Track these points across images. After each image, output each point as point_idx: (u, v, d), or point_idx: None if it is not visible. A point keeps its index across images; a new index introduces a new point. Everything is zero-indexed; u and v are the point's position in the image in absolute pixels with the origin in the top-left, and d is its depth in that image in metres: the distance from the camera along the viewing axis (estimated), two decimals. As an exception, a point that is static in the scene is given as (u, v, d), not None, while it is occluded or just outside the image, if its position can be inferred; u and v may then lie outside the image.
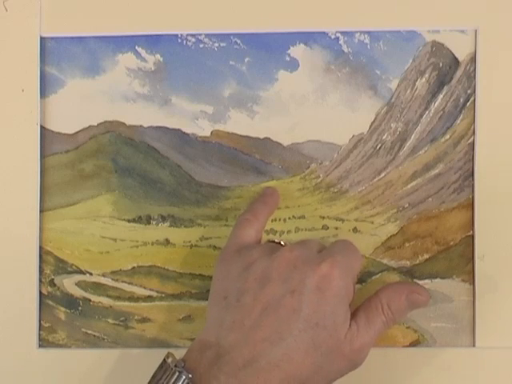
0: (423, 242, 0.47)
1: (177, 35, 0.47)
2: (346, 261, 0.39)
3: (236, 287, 0.39)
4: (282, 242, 0.43)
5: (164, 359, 0.37)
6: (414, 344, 0.47)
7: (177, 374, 0.36)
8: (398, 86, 0.47)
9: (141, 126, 0.48)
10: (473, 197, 0.46)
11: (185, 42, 0.48)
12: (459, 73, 0.47)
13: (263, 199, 0.45)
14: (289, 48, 0.47)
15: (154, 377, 0.37)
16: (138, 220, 0.48)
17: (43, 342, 0.48)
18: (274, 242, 0.43)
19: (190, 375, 0.35)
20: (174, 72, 0.48)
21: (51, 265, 0.48)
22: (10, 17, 0.47)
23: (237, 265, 0.40)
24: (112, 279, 0.48)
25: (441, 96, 0.47)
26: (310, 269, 0.38)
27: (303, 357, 0.36)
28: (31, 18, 0.47)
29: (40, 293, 0.48)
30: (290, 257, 0.39)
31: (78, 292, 0.48)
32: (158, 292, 0.48)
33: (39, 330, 0.48)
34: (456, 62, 0.47)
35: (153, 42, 0.48)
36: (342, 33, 0.47)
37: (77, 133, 0.48)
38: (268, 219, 0.45)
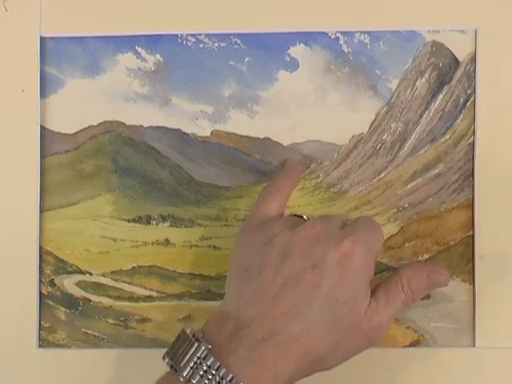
0: (423, 242, 0.47)
1: (177, 35, 0.47)
2: (368, 238, 0.39)
3: (257, 260, 0.38)
4: (305, 217, 0.42)
5: (183, 330, 0.37)
6: (414, 344, 0.47)
7: (196, 344, 0.36)
8: (398, 85, 0.47)
9: (141, 125, 0.48)
10: (473, 197, 0.46)
11: (185, 42, 0.48)
12: (459, 73, 0.47)
13: (286, 172, 0.45)
14: (289, 48, 0.47)
15: (172, 347, 0.37)
16: (137, 220, 0.48)
17: (43, 342, 0.48)
18: (296, 215, 0.42)
19: (209, 346, 0.35)
20: (174, 72, 0.48)
21: (51, 265, 0.48)
22: (10, 17, 0.47)
23: (258, 238, 0.40)
24: (112, 279, 0.48)
25: (441, 96, 0.47)
26: (332, 245, 0.38)
27: (322, 332, 0.36)
28: (31, 17, 0.47)
29: (40, 293, 0.48)
30: (313, 232, 0.38)
31: (78, 292, 0.48)
32: (158, 292, 0.48)
33: (39, 329, 0.48)
34: (456, 62, 0.47)
35: (153, 42, 0.48)
36: (342, 33, 0.47)
37: (77, 133, 0.48)
38: (291, 192, 0.44)
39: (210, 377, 0.35)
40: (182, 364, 0.36)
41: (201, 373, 0.35)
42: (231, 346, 0.35)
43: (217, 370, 0.35)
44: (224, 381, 0.34)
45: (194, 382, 0.35)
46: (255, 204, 0.43)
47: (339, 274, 0.37)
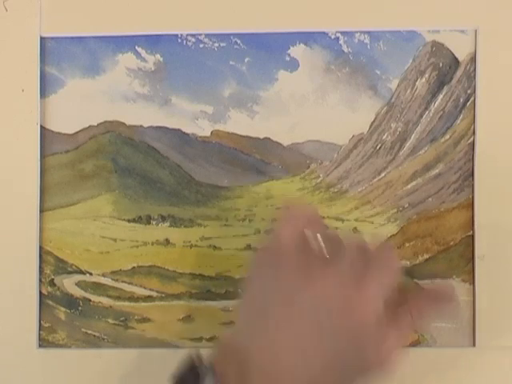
0: (423, 242, 0.47)
1: (177, 35, 0.47)
2: (379, 281, 0.38)
3: (267, 295, 0.38)
4: (320, 240, 0.39)
5: (191, 357, 0.37)
6: (414, 344, 0.47)
7: (205, 377, 0.36)
8: (398, 85, 0.47)
9: (141, 125, 0.48)
10: (473, 197, 0.46)
11: (185, 42, 0.48)
12: (459, 73, 0.47)
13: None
14: (289, 48, 0.47)
15: (180, 372, 0.37)
16: (137, 220, 0.48)
17: (43, 342, 0.48)
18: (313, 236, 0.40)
19: (218, 380, 0.36)
20: (174, 72, 0.48)
21: (51, 265, 0.48)
22: (10, 17, 0.47)
23: (271, 272, 0.39)
24: (112, 279, 0.48)
25: (441, 96, 0.47)
26: (339, 293, 0.37)
27: (327, 370, 0.36)
28: (31, 17, 0.47)
29: (40, 293, 0.48)
30: (322, 284, 0.37)
31: (78, 292, 0.48)
32: (158, 292, 0.48)
33: (39, 329, 0.48)
34: (456, 62, 0.47)
35: (153, 42, 0.48)
36: (342, 33, 0.47)
37: (77, 133, 0.48)
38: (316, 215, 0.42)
39: None
40: None
41: None
42: (240, 381, 0.35)
43: None
44: None
45: None
46: (275, 228, 0.41)
47: (348, 318, 0.36)
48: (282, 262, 0.39)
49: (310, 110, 0.47)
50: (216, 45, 0.47)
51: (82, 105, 0.48)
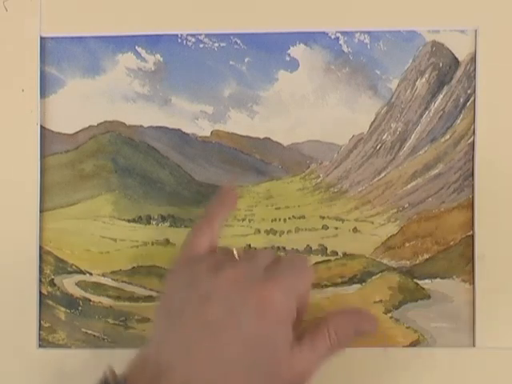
0: (423, 242, 0.47)
1: (177, 35, 0.47)
2: (291, 280, 0.38)
3: (179, 303, 0.37)
4: (235, 252, 0.41)
5: (105, 375, 0.37)
6: (414, 344, 0.47)
7: None
8: (397, 85, 0.47)
9: (141, 125, 0.48)
10: (473, 197, 0.46)
11: (185, 42, 0.48)
12: (459, 73, 0.47)
13: (219, 200, 0.44)
14: (289, 48, 0.47)
15: None
16: (137, 220, 0.48)
17: (43, 342, 0.48)
18: (226, 248, 0.41)
19: None
20: (174, 72, 0.48)
21: (51, 265, 0.48)
22: (10, 17, 0.47)
23: (183, 279, 0.39)
24: (112, 279, 0.48)
25: (441, 96, 0.47)
26: (251, 289, 0.36)
27: (242, 379, 0.35)
28: (31, 17, 0.47)
29: (40, 293, 0.48)
30: (234, 274, 0.37)
31: (78, 292, 0.48)
32: (158, 292, 0.48)
33: (39, 329, 0.48)
34: (456, 62, 0.47)
35: (153, 42, 0.48)
36: (342, 33, 0.47)
37: (77, 133, 0.48)
38: (225, 219, 0.43)
39: None
40: None
41: None
42: None
43: None
44: None
45: None
46: (185, 239, 0.42)
47: (258, 320, 0.36)
48: (194, 268, 0.39)
49: (310, 110, 0.47)
50: (216, 45, 0.47)
51: (82, 105, 0.48)
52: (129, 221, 0.48)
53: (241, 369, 0.35)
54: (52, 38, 0.48)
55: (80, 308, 0.48)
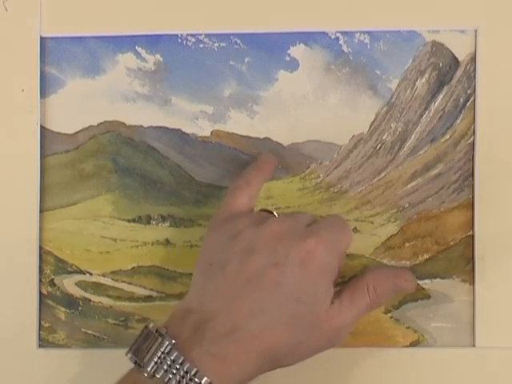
0: (423, 242, 0.47)
1: (177, 35, 0.47)
2: (333, 237, 0.39)
3: (222, 255, 0.38)
4: (275, 213, 0.42)
5: (146, 326, 0.37)
6: (414, 344, 0.47)
7: (159, 339, 0.36)
8: (397, 85, 0.47)
9: (141, 125, 0.48)
10: (473, 197, 0.46)
11: (185, 42, 0.48)
12: (459, 73, 0.47)
13: (258, 165, 0.45)
14: (289, 48, 0.47)
15: (135, 343, 0.37)
16: (137, 220, 0.48)
17: (43, 342, 0.48)
18: (266, 210, 0.42)
19: (173, 341, 0.35)
20: (174, 72, 0.48)
21: (51, 265, 0.48)
22: (10, 17, 0.47)
23: (224, 233, 0.40)
24: (112, 279, 0.48)
25: (441, 96, 0.47)
26: (295, 243, 0.38)
27: (283, 330, 0.36)
28: (31, 17, 0.47)
29: (40, 293, 0.48)
30: (277, 229, 0.38)
31: (78, 292, 0.48)
32: (157, 292, 0.48)
33: (39, 330, 0.48)
34: (456, 62, 0.47)
35: (153, 42, 0.48)
36: (342, 33, 0.47)
37: (77, 133, 0.48)
38: (262, 185, 0.44)
39: (174, 371, 0.35)
40: (146, 359, 0.36)
41: (165, 367, 0.35)
42: (194, 341, 0.35)
43: (181, 364, 0.35)
44: (188, 375, 0.34)
45: (158, 376, 0.35)
46: (224, 198, 0.43)
47: (301, 273, 0.37)
48: (236, 222, 0.40)
49: (310, 110, 0.47)
50: (216, 45, 0.47)
51: (82, 105, 0.48)
52: (129, 221, 0.48)
53: (284, 320, 0.36)
54: (52, 38, 0.48)
55: (80, 308, 0.48)
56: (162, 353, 0.35)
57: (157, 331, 0.36)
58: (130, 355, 0.37)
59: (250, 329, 0.36)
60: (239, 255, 0.38)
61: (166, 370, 0.35)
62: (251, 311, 0.36)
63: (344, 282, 0.41)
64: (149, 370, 0.35)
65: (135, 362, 0.37)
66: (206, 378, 0.34)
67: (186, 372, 0.34)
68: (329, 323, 0.38)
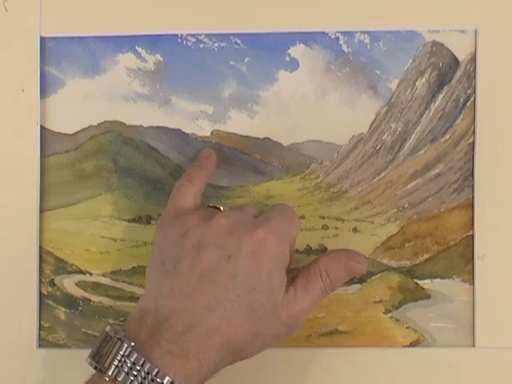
0: (423, 242, 0.47)
1: (177, 35, 0.47)
2: (282, 226, 0.39)
3: (173, 254, 0.39)
4: (221, 208, 0.42)
5: (104, 330, 0.37)
6: (414, 344, 0.47)
7: (119, 343, 0.36)
8: (397, 85, 0.47)
9: (141, 125, 0.48)
10: (473, 197, 0.46)
11: (185, 42, 0.48)
12: (459, 73, 0.47)
13: (198, 163, 0.45)
14: (289, 48, 0.47)
15: (95, 349, 0.37)
16: (137, 220, 0.48)
17: (43, 342, 0.48)
18: (212, 206, 0.43)
19: (132, 343, 0.36)
20: (174, 72, 0.48)
21: (51, 265, 0.48)
22: (10, 17, 0.47)
23: (174, 231, 0.40)
24: (112, 279, 0.48)
25: (441, 96, 0.47)
26: (246, 234, 0.38)
27: (241, 321, 0.37)
28: (31, 17, 0.47)
29: (40, 293, 0.48)
30: (226, 223, 0.39)
31: (78, 292, 0.48)
32: (158, 292, 0.48)
33: (39, 329, 0.48)
34: (456, 62, 0.47)
35: (153, 42, 0.48)
36: (342, 33, 0.47)
37: (77, 133, 0.48)
38: (205, 182, 0.45)
39: (135, 373, 0.35)
40: (107, 364, 0.36)
41: (126, 370, 0.35)
42: (153, 341, 0.36)
43: (141, 365, 0.35)
44: (150, 376, 0.35)
45: (119, 380, 0.35)
46: (170, 197, 0.43)
47: (253, 264, 0.37)
48: (185, 220, 0.40)
49: (310, 110, 0.47)
50: (216, 45, 0.47)
51: (82, 105, 0.48)
52: (129, 221, 0.48)
53: (241, 311, 0.37)
54: (52, 38, 0.48)
55: (80, 308, 0.48)
56: (122, 356, 0.35)
57: (115, 334, 0.37)
58: (89, 360, 0.37)
59: (208, 324, 0.36)
60: (190, 252, 0.38)
61: (127, 373, 0.35)
62: (208, 306, 0.36)
63: (297, 269, 0.42)
64: (110, 374, 0.36)
65: (95, 368, 0.37)
66: (167, 378, 0.34)
67: (148, 373, 0.35)
68: (286, 311, 0.38)
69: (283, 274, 0.39)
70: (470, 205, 0.47)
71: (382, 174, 0.48)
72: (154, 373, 0.35)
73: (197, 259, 0.38)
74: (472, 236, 0.46)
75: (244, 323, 0.37)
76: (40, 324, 0.48)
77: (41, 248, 0.48)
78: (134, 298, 0.48)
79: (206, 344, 0.36)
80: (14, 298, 0.47)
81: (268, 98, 0.47)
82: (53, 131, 0.48)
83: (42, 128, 0.48)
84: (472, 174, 0.46)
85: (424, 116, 0.47)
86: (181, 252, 0.38)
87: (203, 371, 0.36)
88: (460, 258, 0.47)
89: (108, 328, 0.37)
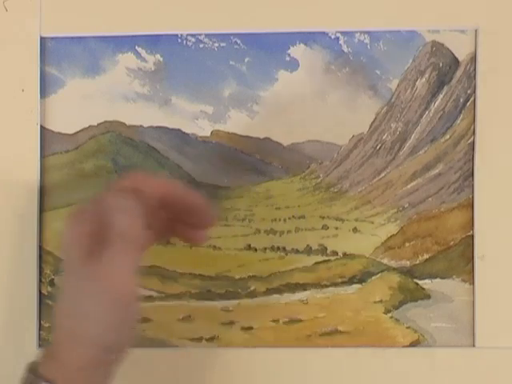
0: (423, 242, 0.47)
1: (177, 35, 0.47)
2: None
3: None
4: None
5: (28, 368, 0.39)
6: (414, 344, 0.47)
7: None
8: (398, 85, 0.47)
9: (141, 125, 0.48)
10: (473, 197, 0.46)
11: (185, 42, 0.48)
12: (459, 73, 0.47)
13: None
14: (289, 48, 0.47)
15: None
16: (138, 220, 0.48)
17: (43, 342, 0.48)
18: None
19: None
20: (174, 72, 0.48)
21: (51, 265, 0.48)
22: (10, 17, 0.47)
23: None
24: (112, 279, 0.48)
25: (441, 96, 0.47)
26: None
27: (102, 319, 0.36)
28: (31, 17, 0.47)
29: (40, 293, 0.48)
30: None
31: (78, 292, 0.48)
32: (157, 292, 0.48)
33: (39, 330, 0.48)
34: (456, 62, 0.47)
35: (153, 42, 0.48)
36: (342, 33, 0.47)
37: (77, 133, 0.48)
38: None
39: None
40: None
41: None
42: (57, 369, 0.38)
43: None
44: None
45: None
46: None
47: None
48: None
49: (310, 110, 0.47)
50: (216, 45, 0.47)
51: (82, 105, 0.48)
52: (129, 221, 0.48)
53: (99, 310, 0.36)
54: (52, 38, 0.48)
55: (80, 308, 0.48)
56: None
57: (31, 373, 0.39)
58: None
59: (67, 326, 0.36)
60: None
61: None
62: (74, 318, 0.36)
63: None
64: None
65: None
66: None
67: None
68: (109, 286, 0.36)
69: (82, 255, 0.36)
70: (470, 205, 0.47)
71: (382, 174, 0.48)
72: None
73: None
74: (472, 236, 0.46)
75: (103, 319, 0.37)
76: (40, 324, 0.48)
77: (41, 248, 0.48)
78: (134, 298, 0.48)
79: (81, 353, 0.37)
80: (14, 298, 0.47)
81: (268, 98, 0.47)
82: (53, 131, 0.48)
83: (42, 128, 0.48)
84: (472, 174, 0.46)
85: (424, 116, 0.47)
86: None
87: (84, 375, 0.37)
88: (460, 258, 0.47)
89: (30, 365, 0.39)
